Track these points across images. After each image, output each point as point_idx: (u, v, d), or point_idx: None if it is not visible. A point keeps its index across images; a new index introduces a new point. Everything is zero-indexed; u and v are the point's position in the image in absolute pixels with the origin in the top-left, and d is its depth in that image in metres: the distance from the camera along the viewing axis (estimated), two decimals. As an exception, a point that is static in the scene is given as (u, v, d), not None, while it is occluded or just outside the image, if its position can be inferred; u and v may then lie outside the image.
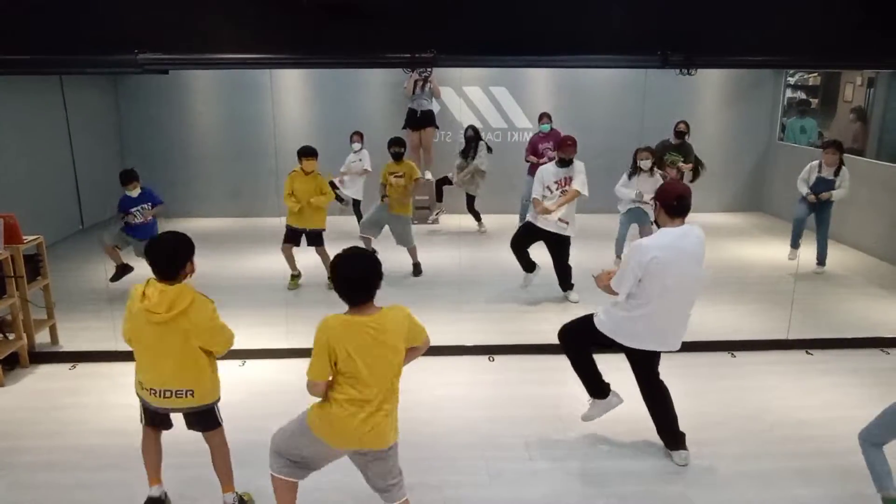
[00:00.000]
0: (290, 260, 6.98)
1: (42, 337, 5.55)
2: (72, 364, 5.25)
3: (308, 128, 9.91)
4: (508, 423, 4.38)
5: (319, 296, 6.72)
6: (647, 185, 6.78)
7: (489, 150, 9.01)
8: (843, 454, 4.04)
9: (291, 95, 10.01)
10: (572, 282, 6.58)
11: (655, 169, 6.96)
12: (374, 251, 7.10)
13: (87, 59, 4.49)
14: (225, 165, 9.96)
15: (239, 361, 5.22)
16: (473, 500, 3.65)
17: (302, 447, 3.01)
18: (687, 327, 3.89)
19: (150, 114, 9.80)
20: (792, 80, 10.10)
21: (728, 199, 10.30)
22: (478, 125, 9.95)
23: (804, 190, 7.19)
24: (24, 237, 5.24)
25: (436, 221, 9.41)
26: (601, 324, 3.94)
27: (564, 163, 6.25)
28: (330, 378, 2.90)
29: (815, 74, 9.74)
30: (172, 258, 3.16)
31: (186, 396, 3.24)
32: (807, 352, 5.48)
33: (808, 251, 7.32)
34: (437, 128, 9.69)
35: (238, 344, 5.33)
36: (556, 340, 5.62)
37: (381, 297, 2.91)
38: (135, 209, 6.47)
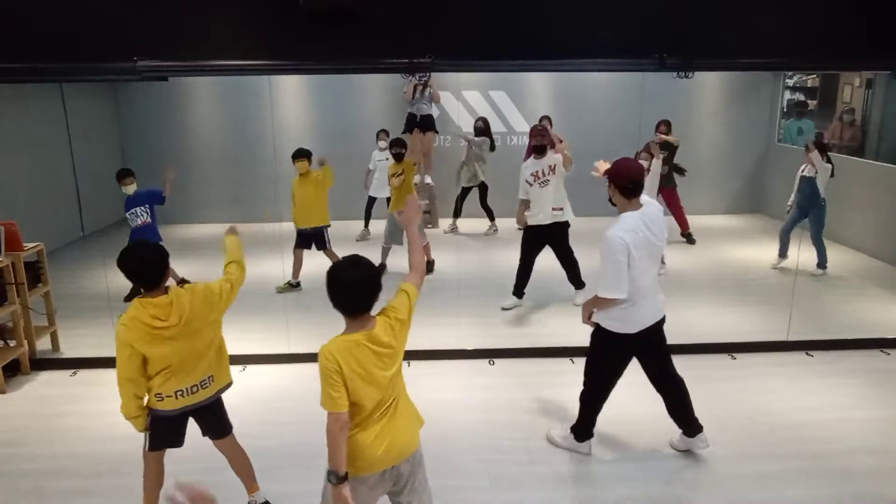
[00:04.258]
0: (298, 265, 6.97)
1: (43, 344, 5.57)
2: (73, 371, 5.27)
3: (307, 133, 9.94)
4: (509, 427, 4.38)
5: (319, 301, 6.70)
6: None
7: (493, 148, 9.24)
8: (843, 455, 4.05)
9: (290, 101, 10.04)
10: (583, 280, 6.45)
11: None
12: (383, 266, 7.14)
13: (87, 67, 4.50)
14: (224, 171, 9.98)
15: (239, 367, 5.23)
16: (474, 504, 3.65)
17: None
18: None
19: (149, 120, 9.82)
20: (790, 82, 10.12)
21: (727, 201, 10.31)
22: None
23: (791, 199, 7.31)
24: (25, 244, 5.26)
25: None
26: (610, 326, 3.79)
27: (541, 153, 6.17)
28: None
29: (814, 76, 9.75)
30: (158, 266, 3.22)
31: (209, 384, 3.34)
32: (807, 353, 5.48)
33: (806, 253, 7.33)
34: (437, 132, 9.71)
35: (238, 349, 5.43)
36: (556, 343, 5.63)
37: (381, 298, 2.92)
38: (131, 210, 6.38)
